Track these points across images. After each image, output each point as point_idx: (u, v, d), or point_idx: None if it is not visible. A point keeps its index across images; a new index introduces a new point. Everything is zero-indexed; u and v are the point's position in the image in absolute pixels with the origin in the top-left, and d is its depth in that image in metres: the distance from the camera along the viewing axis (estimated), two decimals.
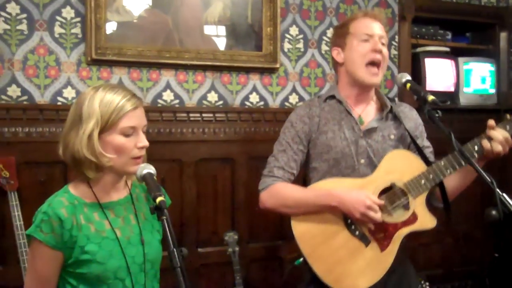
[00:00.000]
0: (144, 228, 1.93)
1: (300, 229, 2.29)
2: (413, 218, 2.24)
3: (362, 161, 2.33)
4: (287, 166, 2.36)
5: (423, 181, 2.23)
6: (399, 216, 2.24)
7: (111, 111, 1.79)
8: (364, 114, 2.39)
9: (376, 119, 2.38)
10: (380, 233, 2.23)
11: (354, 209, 2.17)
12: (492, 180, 1.94)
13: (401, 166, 2.28)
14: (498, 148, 2.12)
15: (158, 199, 1.64)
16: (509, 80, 4.46)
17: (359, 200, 2.17)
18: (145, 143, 1.85)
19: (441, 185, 2.29)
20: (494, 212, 1.95)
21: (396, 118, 2.41)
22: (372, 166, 2.33)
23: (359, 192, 2.20)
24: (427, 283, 3.62)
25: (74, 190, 1.86)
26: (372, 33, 2.32)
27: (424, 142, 2.45)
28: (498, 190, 1.90)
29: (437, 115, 2.12)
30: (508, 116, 2.23)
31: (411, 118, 2.46)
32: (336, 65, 2.47)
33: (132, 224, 1.91)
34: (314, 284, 2.30)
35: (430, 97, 2.13)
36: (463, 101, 4.23)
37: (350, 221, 2.25)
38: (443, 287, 4.30)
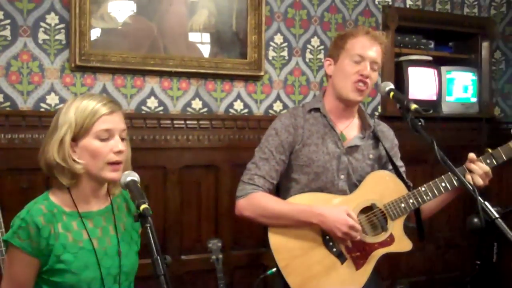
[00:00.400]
0: (122, 239, 1.92)
1: (277, 241, 2.29)
2: (390, 239, 2.28)
3: (342, 176, 2.35)
4: (268, 176, 2.34)
5: (403, 205, 2.29)
6: (376, 236, 2.29)
7: (86, 115, 1.78)
8: (346, 130, 2.41)
9: (359, 137, 2.41)
10: (356, 251, 2.26)
11: (336, 228, 2.19)
12: (474, 188, 1.98)
13: (383, 187, 2.32)
14: (479, 182, 2.19)
15: (142, 207, 1.63)
16: (491, 89, 4.52)
17: (341, 219, 2.19)
18: (121, 147, 1.81)
19: (417, 213, 2.36)
20: (476, 220, 1.98)
21: (376, 138, 2.45)
22: (350, 182, 2.37)
23: (340, 211, 2.21)
24: None
25: (54, 197, 1.85)
26: (365, 56, 2.31)
27: (398, 162, 2.49)
28: (480, 198, 1.93)
29: (419, 123, 2.15)
30: (489, 149, 2.30)
31: (388, 138, 2.51)
32: (326, 75, 2.48)
33: (110, 234, 1.90)
34: None
35: (413, 106, 2.16)
36: (445, 109, 4.28)
37: (329, 237, 2.27)
38: None
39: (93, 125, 1.79)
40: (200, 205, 3.55)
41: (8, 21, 3.07)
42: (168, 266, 1.58)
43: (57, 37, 3.18)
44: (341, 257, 2.26)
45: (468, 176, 2.19)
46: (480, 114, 4.45)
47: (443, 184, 2.27)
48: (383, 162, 2.47)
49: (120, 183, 1.78)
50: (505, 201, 4.14)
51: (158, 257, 1.56)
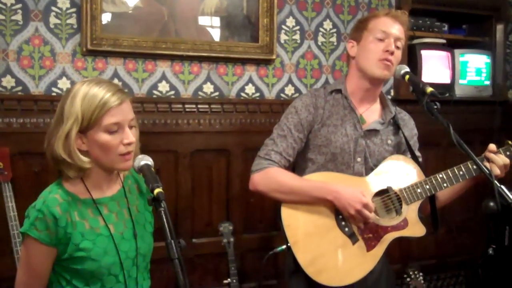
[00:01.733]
0: (136, 221, 1.94)
1: (289, 217, 2.29)
2: (404, 223, 2.27)
3: (359, 159, 2.34)
4: (285, 153, 2.34)
5: (419, 190, 2.27)
6: (390, 219, 2.28)
7: (94, 108, 1.74)
8: (366, 114, 2.40)
9: (378, 122, 2.40)
10: (369, 233, 2.25)
11: (349, 206, 2.18)
12: (490, 172, 1.97)
13: (399, 171, 2.31)
14: (497, 172, 2.17)
15: (156, 191, 1.64)
16: (505, 72, 4.47)
17: (355, 197, 2.18)
18: (131, 139, 1.79)
19: (432, 200, 2.34)
20: (492, 204, 1.96)
21: (396, 125, 2.44)
22: (367, 166, 2.36)
23: (355, 189, 2.21)
24: (420, 273, 3.64)
25: (67, 184, 1.84)
26: (388, 32, 2.30)
27: (416, 152, 2.47)
28: (496, 182, 1.92)
29: (435, 107, 2.14)
30: (509, 142, 2.28)
31: (409, 127, 2.49)
32: (348, 57, 2.46)
33: (125, 218, 1.91)
34: (298, 273, 2.29)
35: (429, 89, 2.16)
36: (458, 92, 4.24)
37: (342, 217, 2.26)
38: (436, 277, 4.33)
39: (102, 118, 1.75)
40: (211, 189, 3.56)
41: (20, 5, 3.06)
42: (182, 250, 1.58)
43: (68, 21, 3.17)
44: (353, 237, 2.25)
45: (486, 164, 2.18)
46: (493, 97, 4.41)
47: (461, 173, 2.25)
48: (402, 150, 2.45)
49: (134, 167, 1.79)
50: None
51: (172, 241, 1.56)
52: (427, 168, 2.43)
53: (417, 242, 4.19)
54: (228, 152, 3.58)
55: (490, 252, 3.91)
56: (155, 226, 2.97)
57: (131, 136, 1.80)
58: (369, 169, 2.37)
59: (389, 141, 2.40)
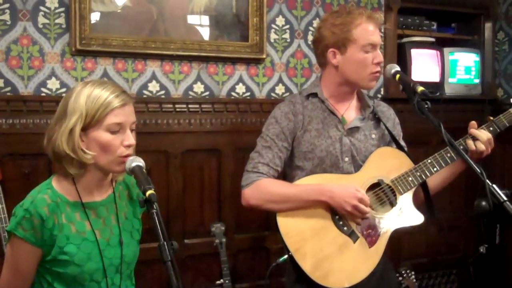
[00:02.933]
0: (124, 228, 1.92)
1: (286, 225, 2.26)
2: (401, 214, 2.27)
3: (346, 159, 2.33)
4: (272, 163, 2.32)
5: (410, 178, 2.27)
6: (386, 212, 2.27)
7: (98, 107, 1.74)
8: (346, 114, 2.39)
9: (358, 119, 2.39)
10: (368, 229, 2.24)
11: (345, 202, 2.18)
12: (482, 171, 1.96)
13: (388, 163, 2.31)
14: (482, 147, 2.19)
15: (148, 192, 1.62)
16: (494, 70, 4.49)
17: (350, 193, 2.18)
18: (132, 141, 1.79)
19: (424, 188, 2.34)
20: (484, 203, 1.96)
21: (376, 118, 2.43)
22: (355, 164, 2.35)
23: (348, 186, 2.21)
24: (412, 272, 3.65)
25: (57, 185, 1.82)
26: (375, 43, 2.30)
27: (401, 142, 2.47)
28: (488, 181, 1.92)
29: (426, 106, 2.13)
30: (490, 118, 2.29)
31: (389, 117, 2.49)
32: (325, 63, 2.40)
33: (112, 224, 1.89)
34: (300, 283, 2.27)
35: (420, 88, 2.14)
36: (448, 91, 4.25)
37: (338, 217, 2.25)
38: (428, 275, 4.34)
39: (105, 118, 1.75)
40: (202, 189, 3.55)
41: (7, 5, 3.04)
42: (175, 251, 1.57)
43: (57, 21, 3.15)
44: (353, 235, 2.23)
45: (471, 142, 2.21)
46: (483, 95, 4.43)
47: (449, 155, 2.26)
48: (387, 141, 2.45)
49: (125, 169, 1.76)
50: (508, 183, 4.15)
51: (165, 243, 1.55)
52: None
53: (408, 240, 4.21)
54: (219, 152, 3.57)
55: (481, 250, 3.95)
56: (146, 227, 2.95)
57: (132, 138, 1.80)
58: (358, 167, 2.35)
59: (373, 135, 2.39)
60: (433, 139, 3.77)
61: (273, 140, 2.33)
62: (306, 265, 2.20)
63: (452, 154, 2.26)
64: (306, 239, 2.23)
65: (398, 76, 2.28)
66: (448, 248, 4.41)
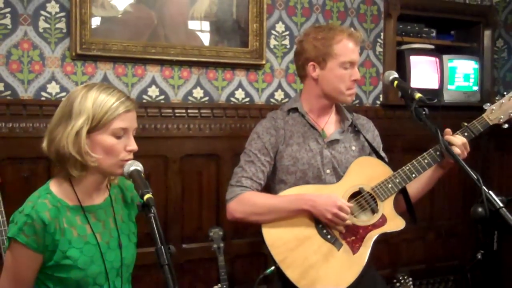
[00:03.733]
0: (122, 231, 1.93)
1: (271, 236, 2.30)
2: (383, 220, 2.31)
3: (328, 171, 2.39)
4: (255, 177, 2.38)
5: (390, 185, 2.32)
6: (368, 219, 2.31)
7: (105, 111, 1.75)
8: (326, 127, 2.46)
9: (338, 132, 2.46)
10: (351, 236, 2.28)
11: (326, 211, 2.22)
12: (478, 178, 1.98)
13: (368, 171, 2.36)
14: (457, 151, 2.23)
15: (146, 196, 1.63)
16: (493, 77, 4.50)
17: (330, 201, 2.23)
18: (135, 147, 1.81)
19: (405, 194, 2.39)
20: (480, 210, 1.97)
21: (356, 130, 2.50)
22: (337, 176, 2.40)
23: (329, 195, 2.26)
24: (410, 279, 3.65)
25: (56, 189, 1.82)
26: (354, 61, 2.39)
27: (380, 152, 2.53)
28: (484, 187, 1.94)
29: (424, 112, 2.16)
30: (465, 123, 2.36)
31: (369, 129, 2.55)
32: (305, 76, 2.47)
33: (111, 227, 1.90)
34: (288, 286, 2.27)
35: (417, 95, 2.18)
36: (447, 98, 4.27)
37: (322, 225, 2.29)
38: (425, 282, 4.34)
39: (111, 122, 1.76)
40: (201, 194, 3.56)
41: (8, 9, 3.05)
42: (172, 255, 1.58)
43: (57, 25, 3.17)
44: (336, 243, 2.27)
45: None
46: (481, 102, 4.41)
47: (426, 161, 2.32)
48: (367, 153, 2.51)
49: (124, 173, 1.78)
50: (506, 190, 4.15)
51: (162, 247, 1.56)
52: None
53: (406, 247, 4.22)
54: (218, 157, 3.58)
55: (479, 256, 3.96)
56: (145, 232, 2.96)
57: (135, 144, 1.82)
58: (339, 178, 2.41)
59: (353, 147, 2.46)
60: (430, 146, 3.78)
61: (256, 155, 2.39)
62: (292, 275, 2.24)
63: (430, 160, 2.32)
64: (291, 249, 2.27)
65: (396, 82, 2.32)
66: (446, 255, 4.42)
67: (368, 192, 2.33)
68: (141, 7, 3.33)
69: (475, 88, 4.42)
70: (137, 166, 1.78)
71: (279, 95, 3.76)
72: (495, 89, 4.52)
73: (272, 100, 3.74)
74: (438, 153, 2.29)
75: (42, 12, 3.12)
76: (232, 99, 3.63)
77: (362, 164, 2.38)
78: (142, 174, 1.77)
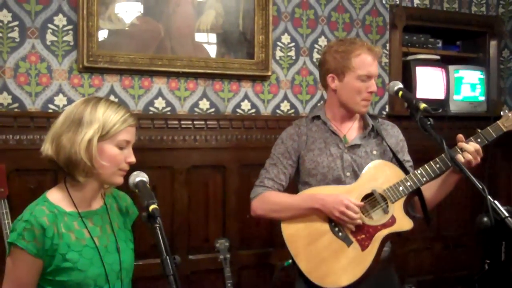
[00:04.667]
0: (119, 237, 1.97)
1: (288, 231, 2.47)
2: (392, 221, 2.39)
3: (348, 174, 2.49)
4: (276, 178, 2.55)
5: (401, 188, 2.39)
6: (379, 219, 2.40)
7: (114, 123, 1.84)
8: (348, 133, 2.56)
9: (359, 137, 2.55)
10: (361, 234, 2.39)
11: (334, 209, 2.34)
12: (483, 187, 1.98)
13: (381, 174, 2.45)
14: (468, 157, 2.28)
15: (151, 207, 1.68)
16: (499, 87, 4.50)
17: (338, 200, 2.35)
18: (134, 159, 1.90)
19: (420, 196, 2.45)
20: (485, 219, 1.97)
21: (378, 136, 2.57)
22: (357, 178, 2.48)
23: (338, 195, 2.38)
24: None
25: (53, 198, 1.87)
26: (371, 75, 2.46)
27: (405, 157, 2.60)
28: (489, 197, 1.94)
29: (428, 123, 2.21)
30: (478, 130, 2.38)
31: (393, 135, 2.61)
32: (326, 86, 2.59)
33: (108, 233, 1.94)
34: (302, 278, 2.44)
35: (422, 105, 2.24)
36: (453, 108, 4.26)
37: (334, 223, 2.41)
38: None
39: (119, 133, 1.85)
40: (207, 205, 3.56)
41: (16, 22, 3.09)
42: (177, 266, 1.60)
43: (65, 38, 3.20)
44: (347, 240, 2.39)
45: (460, 156, 2.28)
46: (488, 113, 4.43)
47: (438, 166, 2.36)
48: (390, 157, 2.56)
49: (129, 184, 1.83)
50: None
51: (167, 257, 1.58)
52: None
53: (414, 257, 4.20)
54: (224, 168, 3.59)
55: (486, 267, 3.93)
56: (150, 243, 2.97)
57: (134, 157, 1.90)
58: None
59: (374, 152, 2.53)
60: (438, 155, 3.78)
61: (279, 158, 2.57)
62: (305, 267, 2.42)
63: (441, 165, 2.36)
64: (305, 244, 2.44)
65: (401, 93, 2.39)
66: (453, 265, 4.39)
67: (380, 194, 2.41)
68: (148, 19, 3.36)
69: (482, 98, 4.41)
70: (143, 177, 1.85)
71: (285, 106, 3.77)
72: (502, 99, 4.52)
73: (278, 111, 3.75)
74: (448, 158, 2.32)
75: (50, 25, 3.16)
76: (238, 110, 3.64)
77: (377, 167, 2.47)
78: (148, 185, 1.83)
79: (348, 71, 2.46)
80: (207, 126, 3.52)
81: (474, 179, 2.05)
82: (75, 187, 1.88)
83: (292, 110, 3.78)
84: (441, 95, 4.20)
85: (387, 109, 4.09)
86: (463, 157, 2.27)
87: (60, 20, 3.18)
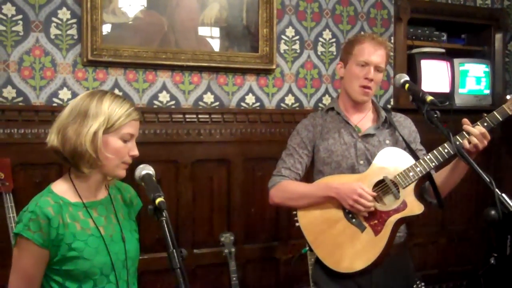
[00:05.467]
0: (124, 227, 1.98)
1: (304, 219, 2.55)
2: (403, 206, 2.43)
3: (361, 162, 2.53)
4: (293, 167, 2.61)
5: (411, 174, 2.41)
6: (390, 204, 2.44)
7: (119, 116, 1.85)
8: (360, 123, 2.59)
9: (373, 127, 2.58)
10: (374, 220, 2.44)
11: (347, 197, 2.39)
12: (491, 180, 1.98)
13: (392, 161, 2.48)
14: (474, 140, 2.28)
15: (158, 200, 1.68)
16: (504, 81, 4.48)
17: (352, 189, 2.39)
18: (137, 152, 1.91)
19: (431, 181, 2.48)
20: (493, 212, 1.96)
21: (391, 126, 2.61)
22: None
23: (351, 183, 2.43)
24: (423, 283, 3.63)
25: (58, 190, 1.89)
26: (369, 61, 2.50)
27: (418, 146, 2.64)
28: (497, 190, 1.93)
29: (435, 115, 2.22)
30: (484, 114, 2.38)
31: (405, 126, 2.66)
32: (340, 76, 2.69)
33: (113, 222, 1.96)
34: (319, 264, 2.54)
35: (429, 98, 2.24)
36: (458, 101, 4.25)
37: (348, 210, 2.46)
38: (438, 287, 4.32)
39: (123, 127, 1.86)
40: (212, 199, 3.56)
41: (20, 16, 3.08)
42: (184, 259, 1.60)
43: (69, 32, 3.19)
44: (360, 226, 2.44)
45: (465, 141, 2.29)
46: (493, 106, 4.41)
47: (446, 150, 2.36)
48: (403, 146, 2.58)
49: (135, 177, 1.84)
50: None
51: (174, 250, 1.58)
52: None
53: (418, 252, 4.20)
54: (229, 162, 3.58)
55: (492, 261, 3.92)
56: (156, 237, 2.97)
57: (137, 150, 1.91)
58: None
59: (387, 141, 2.57)
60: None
61: (294, 149, 2.63)
62: (321, 253, 2.51)
63: (449, 149, 2.36)
64: (321, 231, 2.51)
65: (407, 85, 2.39)
66: (458, 260, 4.39)
67: (391, 180, 2.44)
68: (152, 13, 3.35)
69: (487, 91, 4.40)
70: (149, 170, 1.85)
71: (289, 100, 3.76)
72: (507, 92, 4.49)
73: (282, 104, 3.74)
74: (458, 143, 2.31)
75: (54, 19, 3.15)
76: (243, 104, 3.63)
77: (388, 154, 2.50)
78: (154, 178, 1.84)
79: (350, 58, 2.56)
80: (211, 120, 3.52)
81: (481, 171, 2.05)
82: (80, 178, 1.90)
83: (297, 104, 3.77)
84: (446, 89, 4.19)
85: (392, 102, 4.07)
86: (470, 141, 2.28)
87: (64, 14, 3.17)
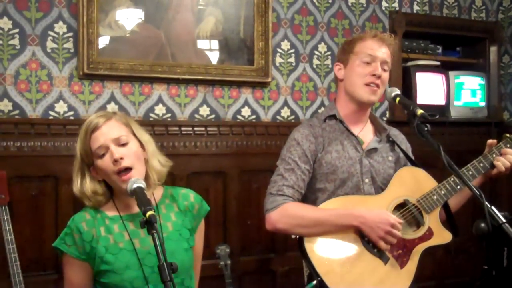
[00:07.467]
0: (169, 238, 1.96)
1: (314, 249, 2.22)
2: (429, 233, 2.26)
3: (366, 180, 2.34)
4: (296, 186, 2.31)
5: (435, 197, 2.28)
6: (415, 232, 2.26)
7: (83, 140, 1.91)
8: (362, 134, 2.42)
9: (376, 140, 2.42)
10: (398, 250, 2.21)
11: (378, 228, 2.16)
12: (480, 193, 1.97)
13: (412, 182, 2.31)
14: (507, 164, 2.27)
15: (148, 213, 1.67)
16: (499, 93, 4.50)
17: (382, 218, 2.17)
18: (116, 155, 1.87)
19: (446, 208, 2.35)
20: (483, 225, 1.97)
21: (391, 141, 2.47)
22: (375, 185, 2.36)
23: (380, 211, 2.20)
24: None
25: (101, 204, 1.99)
26: (375, 56, 2.34)
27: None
28: (486, 203, 1.93)
29: (426, 128, 2.14)
30: (507, 135, 2.34)
31: (402, 141, 2.53)
32: (336, 80, 2.50)
33: None
34: None
35: (419, 111, 2.16)
36: (453, 114, 4.26)
37: (367, 239, 2.21)
38: None
39: (90, 147, 1.91)
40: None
41: (17, 30, 3.10)
42: (174, 272, 1.60)
43: (65, 45, 3.21)
44: (383, 257, 2.20)
45: (498, 163, 2.27)
46: (488, 118, 4.43)
47: (470, 173, 2.30)
48: (402, 164, 2.47)
49: (127, 190, 1.83)
50: None
51: (164, 263, 1.59)
52: None
53: None
54: (225, 174, 3.59)
55: (492, 273, 3.91)
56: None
57: (115, 153, 1.87)
58: (377, 188, 2.36)
59: (390, 157, 2.42)
60: (439, 162, 3.76)
61: (296, 163, 2.33)
62: None
63: (474, 172, 2.30)
64: (336, 262, 2.20)
65: (398, 99, 2.29)
66: (455, 271, 4.38)
67: (413, 204, 2.28)
68: (148, 26, 3.37)
69: (482, 104, 4.42)
70: (140, 183, 1.84)
71: (285, 112, 3.77)
72: (502, 104, 4.52)
73: (278, 117, 3.75)
74: (481, 164, 2.28)
75: (50, 33, 3.17)
76: (239, 116, 3.65)
77: (406, 174, 2.34)
78: (145, 191, 1.82)
79: (352, 56, 2.38)
80: (207, 133, 3.52)
81: (471, 185, 2.04)
82: (117, 194, 1.98)
83: (292, 116, 3.78)
84: (441, 101, 4.21)
85: (387, 115, 4.09)
86: (503, 165, 2.27)
87: (61, 27, 3.19)
